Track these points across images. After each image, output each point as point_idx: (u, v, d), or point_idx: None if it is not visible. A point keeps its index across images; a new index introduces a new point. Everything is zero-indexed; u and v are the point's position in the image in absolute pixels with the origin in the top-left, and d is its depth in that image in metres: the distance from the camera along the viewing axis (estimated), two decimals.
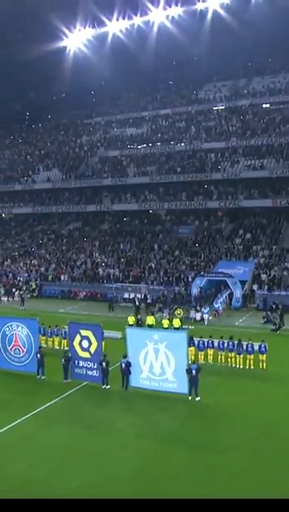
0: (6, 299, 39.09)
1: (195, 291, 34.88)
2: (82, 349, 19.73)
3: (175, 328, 24.14)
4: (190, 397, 17.85)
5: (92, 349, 19.51)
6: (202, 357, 21.96)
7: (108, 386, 19.21)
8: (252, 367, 21.08)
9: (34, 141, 65.54)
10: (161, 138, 54.31)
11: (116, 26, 56.30)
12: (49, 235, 52.48)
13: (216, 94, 57.21)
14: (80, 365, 19.80)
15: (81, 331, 19.80)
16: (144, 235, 47.16)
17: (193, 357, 21.77)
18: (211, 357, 21.94)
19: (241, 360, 21.33)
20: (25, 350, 20.90)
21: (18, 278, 42.80)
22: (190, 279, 36.87)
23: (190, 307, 31.92)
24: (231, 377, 20.43)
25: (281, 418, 16.31)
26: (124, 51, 57.55)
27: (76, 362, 19.86)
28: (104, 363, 19.09)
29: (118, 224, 50.85)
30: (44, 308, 35.77)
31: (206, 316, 28.24)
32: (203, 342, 22.01)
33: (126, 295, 36.43)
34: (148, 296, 34.84)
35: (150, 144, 53.84)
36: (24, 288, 41.20)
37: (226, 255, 40.19)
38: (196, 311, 30.08)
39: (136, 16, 55.90)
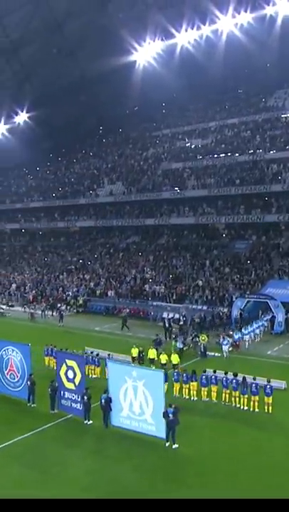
0: (50, 313, 39.37)
1: (236, 313, 32.48)
2: (68, 380, 18.83)
3: (174, 365, 22.23)
4: (167, 444, 16.12)
5: (77, 381, 18.53)
6: (205, 393, 20.00)
7: (90, 422, 18.05)
8: (256, 409, 18.73)
9: (103, 154, 66.43)
10: (225, 148, 52.18)
11: (184, 37, 55.24)
12: (108, 248, 52.48)
13: (285, 101, 53.83)
14: (66, 396, 18.90)
15: (67, 361, 18.90)
16: (199, 250, 45.29)
17: (195, 393, 20.10)
18: (215, 394, 19.87)
19: (246, 400, 19.05)
20: (19, 375, 20.46)
21: (67, 292, 43.02)
22: (234, 300, 34.45)
23: (227, 331, 29.67)
24: (227, 421, 18.26)
25: (267, 479, 13.96)
26: (193, 62, 56.41)
27: (62, 393, 19.00)
28: (86, 397, 17.97)
29: (175, 238, 49.45)
30: (83, 325, 35.60)
31: (224, 348, 25.87)
32: (207, 377, 20.02)
33: (164, 314, 34.88)
34: (180, 317, 32.94)
35: (213, 156, 51.95)
36: (72, 302, 41.45)
37: (278, 274, 37.13)
38: (228, 336, 27.81)
39: (204, 25, 54.51)
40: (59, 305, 39.72)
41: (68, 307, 41.07)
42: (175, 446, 16.02)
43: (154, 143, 62.09)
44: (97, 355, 24.47)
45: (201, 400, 19.98)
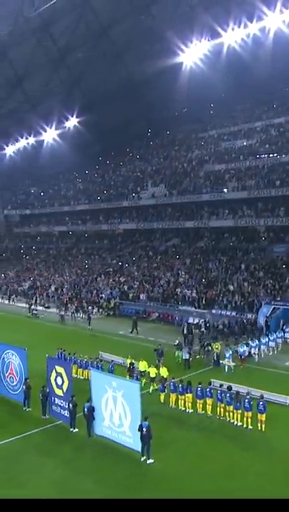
0: (80, 315, 39.74)
1: (262, 320, 31.14)
2: (57, 386, 18.81)
3: (163, 379, 21.44)
4: (143, 458, 15.62)
5: (65, 387, 18.46)
6: (200, 406, 19.23)
7: (76, 430, 17.91)
8: (250, 426, 17.74)
9: (149, 157, 66.37)
10: (269, 149, 50.47)
11: (231, 37, 53.84)
12: (147, 251, 52.28)
13: None
14: (56, 402, 18.89)
15: (56, 367, 18.90)
16: (236, 253, 43.96)
17: (190, 405, 19.41)
18: (210, 407, 19.04)
19: (239, 416, 18.11)
20: (17, 379, 20.73)
21: (100, 295, 43.29)
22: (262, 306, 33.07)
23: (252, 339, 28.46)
24: (215, 437, 17.43)
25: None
26: (240, 61, 55.06)
27: (53, 398, 19.00)
28: (71, 405, 17.86)
29: (214, 241, 48.34)
30: (109, 328, 35.55)
31: (226, 361, 24.56)
32: (202, 389, 19.24)
33: (190, 319, 34.13)
34: (202, 323, 31.98)
35: (256, 156, 50.38)
36: (104, 305, 41.68)
37: None
38: (246, 345, 26.68)
39: (251, 23, 52.90)
40: (89, 307, 39.96)
41: (100, 310, 41.32)
42: (150, 461, 15.50)
43: (199, 144, 61.26)
44: (112, 361, 24.53)
45: (197, 412, 19.23)
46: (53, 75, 64.08)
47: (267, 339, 27.29)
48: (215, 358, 25.53)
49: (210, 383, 20.39)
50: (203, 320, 32.58)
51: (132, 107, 67.62)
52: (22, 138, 71.71)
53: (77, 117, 67.63)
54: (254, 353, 26.46)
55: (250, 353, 26.28)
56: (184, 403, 19.67)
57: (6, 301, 49.09)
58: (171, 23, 57.41)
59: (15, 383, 20.87)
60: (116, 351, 27.45)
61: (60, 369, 18.69)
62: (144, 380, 21.69)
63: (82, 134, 68.30)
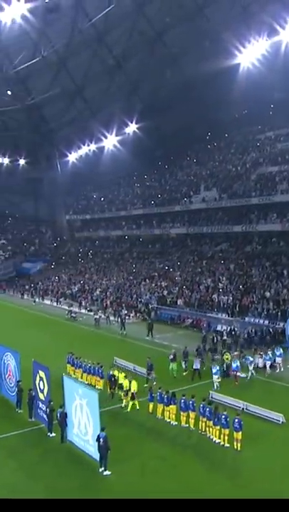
0: (115, 319, 40.06)
1: None
2: (40, 390, 19.17)
3: (132, 393, 20.52)
4: (101, 469, 15.42)
5: (45, 392, 18.75)
6: (184, 419, 18.60)
7: (53, 434, 18.09)
8: (226, 444, 16.87)
9: (206, 160, 65.47)
10: None
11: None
12: (195, 256, 51.56)
13: None
14: (39, 406, 19.22)
15: (39, 372, 19.23)
16: (281, 258, 42.02)
17: (174, 417, 18.87)
18: (193, 421, 18.37)
19: (217, 432, 17.29)
20: (14, 381, 21.37)
21: (139, 299, 43.36)
22: None
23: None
24: (186, 454, 16.76)
25: None
26: None
27: (37, 402, 19.36)
28: (48, 410, 18.10)
29: (262, 246, 46.57)
30: (141, 334, 35.45)
31: (214, 378, 23.11)
32: (185, 402, 18.59)
33: (218, 327, 33.15)
34: (224, 331, 30.86)
35: None
36: (142, 310, 41.73)
37: None
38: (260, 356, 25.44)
39: None
40: (123, 311, 40.16)
41: (138, 314, 41.42)
42: (107, 472, 15.25)
43: (255, 146, 59.41)
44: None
45: (180, 425, 18.63)
46: (111, 82, 65.26)
47: (235, 364, 24.28)
48: (224, 369, 24.55)
49: (183, 395, 19.05)
50: (226, 328, 31.50)
51: (191, 111, 66.93)
52: (84, 145, 73.85)
53: (136, 123, 68.19)
54: (274, 364, 25.11)
55: (270, 364, 25.01)
56: (170, 414, 19.17)
57: (55, 303, 50.72)
58: (226, 24, 56.24)
59: (12, 385, 21.53)
60: (133, 357, 27.30)
61: (42, 374, 19.02)
62: (121, 393, 21.22)
63: (141, 139, 68.75)
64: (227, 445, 16.85)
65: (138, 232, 63.74)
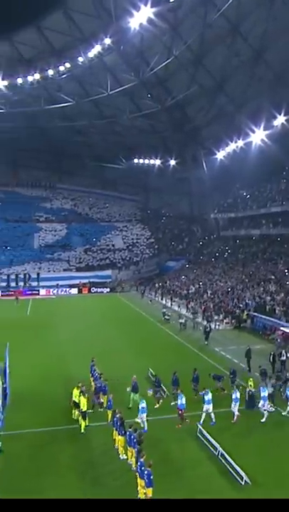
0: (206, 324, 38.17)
1: None
2: None
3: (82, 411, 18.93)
4: None
5: None
6: (130, 454, 16.41)
7: None
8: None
9: None
10: None
11: None
12: None
13: None
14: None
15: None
16: None
17: (121, 449, 17.19)
18: (134, 459, 15.79)
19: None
20: None
21: (238, 305, 40.59)
22: None
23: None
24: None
25: None
26: None
27: None
28: None
29: None
30: (220, 343, 33.43)
31: (206, 407, 19.50)
32: (130, 435, 16.33)
33: None
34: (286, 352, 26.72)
35: None
36: (240, 316, 39.12)
37: None
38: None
39: None
40: (215, 317, 38.19)
41: (233, 321, 39.00)
42: None
43: None
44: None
45: (128, 461, 16.58)
46: (251, 74, 62.03)
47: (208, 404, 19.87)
48: (247, 398, 21.17)
49: (130, 427, 16.89)
50: None
51: None
52: (231, 142, 71.72)
53: (284, 115, 63.63)
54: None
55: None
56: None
57: (169, 304, 50.84)
58: None
59: None
60: (178, 367, 25.23)
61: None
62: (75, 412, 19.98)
63: None
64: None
65: (274, 231, 59.35)
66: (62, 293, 63.97)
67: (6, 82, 59.60)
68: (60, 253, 74.81)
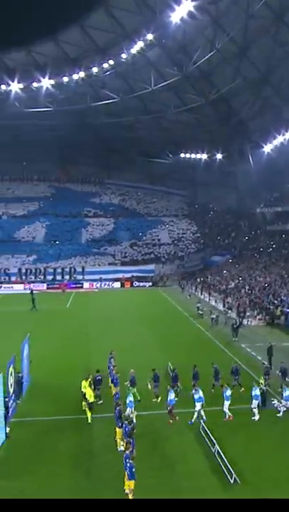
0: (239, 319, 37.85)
1: None
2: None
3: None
4: None
5: None
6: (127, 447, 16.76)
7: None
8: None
9: None
10: None
11: None
12: None
13: None
14: None
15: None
16: None
17: (119, 441, 17.71)
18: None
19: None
20: None
21: (273, 301, 39.85)
22: None
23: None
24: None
25: None
26: None
27: None
28: None
29: None
30: (250, 340, 33.12)
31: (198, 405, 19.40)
32: (126, 427, 17.01)
33: None
34: None
35: None
36: (274, 312, 38.52)
37: None
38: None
39: None
40: (248, 314, 37.76)
41: (267, 317, 38.45)
42: None
43: None
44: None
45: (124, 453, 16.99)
46: None
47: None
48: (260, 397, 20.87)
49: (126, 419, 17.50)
50: None
51: None
52: (279, 135, 69.91)
53: None
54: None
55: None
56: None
57: (207, 298, 50.68)
58: None
59: None
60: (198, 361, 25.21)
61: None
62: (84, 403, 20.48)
63: None
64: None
65: None
66: (105, 286, 65.23)
67: (52, 81, 61.26)
68: (106, 247, 76.14)
